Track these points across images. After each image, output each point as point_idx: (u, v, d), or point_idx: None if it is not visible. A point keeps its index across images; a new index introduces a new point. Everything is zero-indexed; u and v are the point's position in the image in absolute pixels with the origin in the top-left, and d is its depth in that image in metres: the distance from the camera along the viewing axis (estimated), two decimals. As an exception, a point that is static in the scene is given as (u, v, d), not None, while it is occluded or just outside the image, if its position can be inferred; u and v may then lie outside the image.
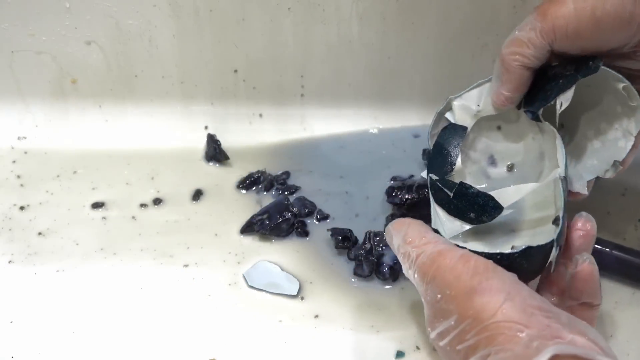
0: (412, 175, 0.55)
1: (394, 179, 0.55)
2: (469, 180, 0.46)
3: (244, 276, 0.48)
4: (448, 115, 0.46)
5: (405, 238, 0.38)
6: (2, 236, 0.51)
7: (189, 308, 0.45)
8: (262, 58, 0.58)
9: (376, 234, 0.49)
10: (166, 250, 0.50)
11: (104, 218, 0.53)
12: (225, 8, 0.55)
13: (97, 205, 0.54)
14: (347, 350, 0.43)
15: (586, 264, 0.36)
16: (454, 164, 0.44)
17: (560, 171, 0.39)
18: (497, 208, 0.40)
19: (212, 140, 0.59)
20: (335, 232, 0.49)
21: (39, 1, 0.54)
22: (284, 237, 0.51)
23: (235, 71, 0.59)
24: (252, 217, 0.51)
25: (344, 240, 0.49)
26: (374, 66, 0.59)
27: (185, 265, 0.49)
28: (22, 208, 0.54)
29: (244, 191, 0.56)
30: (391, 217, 0.51)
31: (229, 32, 0.57)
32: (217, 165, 0.58)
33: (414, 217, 0.50)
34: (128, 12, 0.55)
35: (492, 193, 0.41)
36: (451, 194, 0.42)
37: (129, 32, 0.57)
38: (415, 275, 0.36)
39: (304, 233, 0.51)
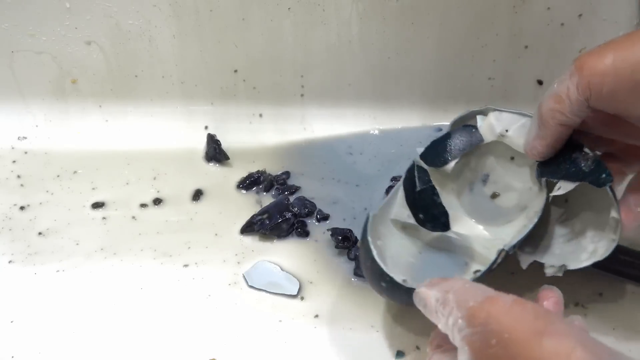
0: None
1: (394, 178, 0.55)
2: (456, 184, 0.46)
3: (244, 276, 0.48)
4: (479, 118, 0.45)
5: (444, 288, 0.35)
6: (2, 236, 0.51)
7: (189, 308, 0.45)
8: (262, 58, 0.58)
9: (376, 234, 0.49)
10: (166, 250, 0.50)
11: (104, 218, 0.53)
12: (225, 8, 0.55)
13: (97, 205, 0.54)
14: (347, 350, 0.43)
15: (577, 322, 0.35)
16: (447, 163, 0.44)
17: (506, 245, 0.40)
18: (444, 226, 0.43)
19: (212, 140, 0.59)
20: (335, 232, 0.49)
21: (39, 1, 0.54)
22: (284, 237, 0.51)
23: (235, 71, 0.59)
24: (252, 217, 0.52)
25: (344, 240, 0.49)
26: (374, 66, 0.59)
27: (185, 265, 0.49)
28: (22, 208, 0.54)
29: (244, 191, 0.56)
30: None
31: (229, 32, 0.57)
32: (217, 165, 0.58)
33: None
34: (128, 12, 0.55)
35: (452, 214, 0.43)
36: (418, 188, 0.44)
37: (129, 32, 0.57)
38: (460, 321, 0.32)
39: (304, 233, 0.51)
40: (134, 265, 0.49)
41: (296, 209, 0.52)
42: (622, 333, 0.43)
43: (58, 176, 0.57)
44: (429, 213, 0.43)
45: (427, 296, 0.35)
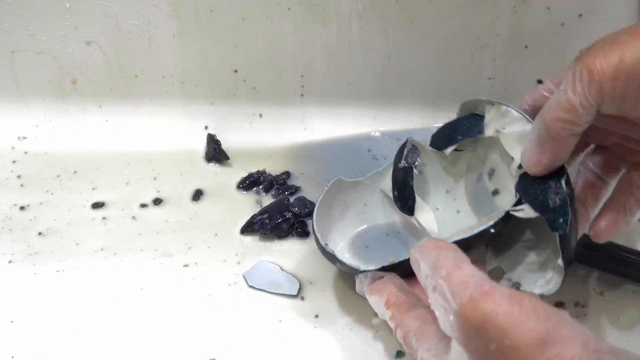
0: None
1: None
2: (465, 172, 0.47)
3: (244, 276, 0.48)
4: (487, 108, 0.43)
5: (435, 265, 0.32)
6: (2, 236, 0.51)
7: (189, 308, 0.45)
8: (262, 58, 0.58)
9: (376, 234, 0.49)
10: (166, 250, 0.50)
11: (104, 218, 0.53)
12: (225, 8, 0.55)
13: (97, 205, 0.54)
14: (347, 350, 0.42)
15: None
16: (446, 147, 0.45)
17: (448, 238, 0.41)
18: (409, 210, 0.45)
19: (212, 140, 0.59)
20: (335, 232, 0.49)
21: (39, 1, 0.54)
22: (284, 237, 0.51)
23: (235, 71, 0.59)
24: (252, 217, 0.51)
25: (344, 240, 0.49)
26: (374, 66, 0.59)
27: (185, 265, 0.49)
28: (22, 208, 0.54)
29: (244, 191, 0.56)
30: None
31: (229, 32, 0.57)
32: (217, 165, 0.58)
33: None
34: (128, 12, 0.55)
35: (422, 203, 0.45)
36: (400, 165, 0.45)
37: (129, 32, 0.57)
38: (451, 317, 0.30)
39: (304, 233, 0.51)
40: (134, 265, 0.49)
41: (296, 209, 0.52)
42: (623, 332, 0.43)
43: (58, 176, 0.57)
44: (401, 193, 0.44)
45: (419, 266, 0.33)
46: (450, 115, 0.61)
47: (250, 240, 0.51)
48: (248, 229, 0.51)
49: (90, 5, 0.55)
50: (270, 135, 0.61)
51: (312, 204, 0.53)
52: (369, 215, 0.48)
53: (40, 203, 0.54)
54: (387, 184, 0.47)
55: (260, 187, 0.56)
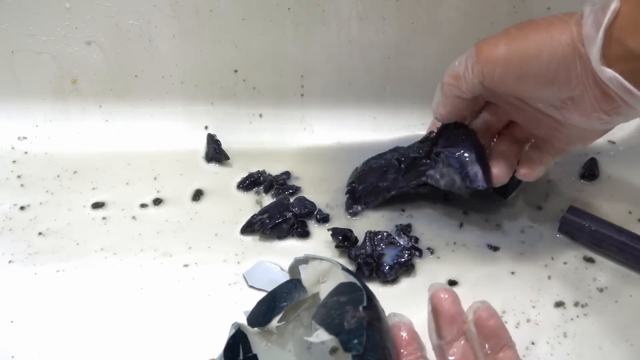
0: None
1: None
2: (293, 345, 0.42)
3: (244, 276, 0.48)
4: (301, 269, 0.41)
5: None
6: (2, 236, 0.51)
7: (189, 308, 0.45)
8: (262, 58, 0.58)
9: (376, 234, 0.49)
10: (166, 250, 0.50)
11: (104, 218, 0.53)
12: (225, 8, 0.55)
13: (97, 205, 0.54)
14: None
15: (483, 308, 0.35)
16: (270, 322, 0.40)
17: None
18: None
19: (212, 140, 0.59)
20: (335, 231, 0.49)
21: (39, 1, 0.54)
22: (284, 237, 0.51)
23: (235, 71, 0.59)
24: (252, 217, 0.51)
25: (344, 240, 0.49)
26: (374, 66, 0.59)
27: (185, 265, 0.49)
28: (22, 208, 0.54)
29: (244, 191, 0.56)
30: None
31: (229, 32, 0.57)
32: (217, 165, 0.58)
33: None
34: (128, 12, 0.55)
35: None
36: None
37: (129, 32, 0.57)
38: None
39: (304, 233, 0.51)
40: (134, 265, 0.49)
41: (296, 209, 0.52)
42: (624, 331, 0.43)
43: (58, 176, 0.57)
44: None
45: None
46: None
47: (250, 240, 0.51)
48: (248, 229, 0.51)
49: (90, 5, 0.55)
50: (270, 135, 0.61)
51: (312, 204, 0.53)
52: None
53: (40, 203, 0.54)
54: None
55: (260, 187, 0.56)
